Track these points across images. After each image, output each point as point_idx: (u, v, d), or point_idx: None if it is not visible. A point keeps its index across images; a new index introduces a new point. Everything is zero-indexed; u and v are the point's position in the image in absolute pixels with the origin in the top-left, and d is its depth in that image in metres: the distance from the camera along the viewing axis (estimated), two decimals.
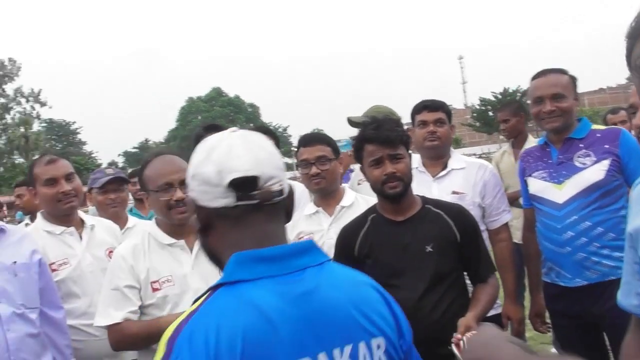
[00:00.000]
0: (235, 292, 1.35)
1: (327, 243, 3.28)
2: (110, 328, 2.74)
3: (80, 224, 3.52)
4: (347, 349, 1.39)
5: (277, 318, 1.32)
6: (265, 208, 1.43)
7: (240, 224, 1.44)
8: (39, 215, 3.60)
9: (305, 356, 1.34)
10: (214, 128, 3.69)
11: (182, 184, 2.77)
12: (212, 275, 2.71)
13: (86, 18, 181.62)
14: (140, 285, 2.75)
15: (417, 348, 2.50)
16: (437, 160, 3.78)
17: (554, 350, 5.41)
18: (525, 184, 3.57)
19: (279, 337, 1.31)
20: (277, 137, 4.62)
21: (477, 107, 58.75)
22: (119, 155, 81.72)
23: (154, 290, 2.75)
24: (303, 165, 3.47)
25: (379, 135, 2.85)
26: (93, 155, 76.90)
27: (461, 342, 2.51)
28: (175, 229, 2.84)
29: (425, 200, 2.98)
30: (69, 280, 3.31)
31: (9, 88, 67.78)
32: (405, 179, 2.85)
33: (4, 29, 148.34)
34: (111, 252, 3.20)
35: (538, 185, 3.44)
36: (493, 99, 59.09)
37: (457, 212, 2.93)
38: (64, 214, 3.46)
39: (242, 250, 1.40)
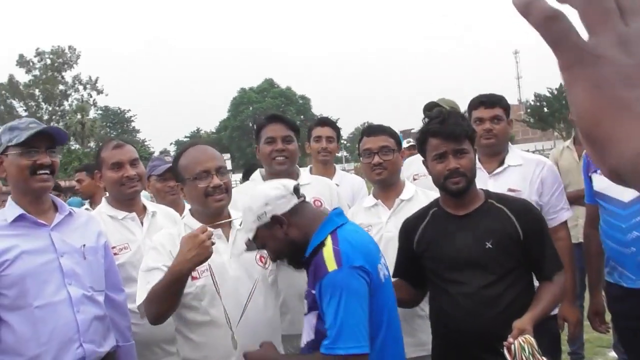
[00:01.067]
0: (345, 227, 2.51)
1: (385, 236, 3.31)
2: (142, 307, 2.69)
3: (142, 210, 3.61)
4: (382, 261, 2.56)
5: (368, 237, 2.66)
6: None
7: (301, 212, 2.54)
8: (103, 200, 3.71)
9: (379, 261, 2.52)
10: (275, 118, 3.74)
11: (219, 171, 2.82)
12: (250, 263, 2.85)
13: (145, 7, 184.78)
14: None
15: (475, 344, 2.68)
16: (493, 156, 3.72)
17: (612, 354, 5.29)
18: (589, 180, 3.50)
19: (372, 247, 2.60)
20: (338, 128, 4.77)
21: (532, 102, 57.58)
22: (171, 144, 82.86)
23: (193, 278, 2.71)
24: (366, 154, 3.45)
25: (444, 129, 2.81)
26: (146, 143, 78.25)
27: (512, 347, 2.49)
28: (211, 219, 2.81)
29: (488, 194, 2.92)
30: (128, 265, 3.38)
31: (68, 75, 69.56)
32: (469, 175, 2.82)
33: (65, 17, 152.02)
34: None
35: (603, 183, 3.34)
36: (548, 94, 57.80)
37: (521, 208, 2.85)
38: (127, 198, 3.56)
39: (312, 226, 2.50)
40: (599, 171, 3.37)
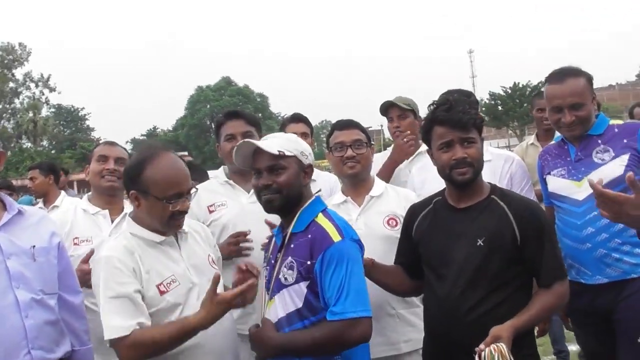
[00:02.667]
0: (330, 210, 2.75)
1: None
2: (118, 342, 2.51)
3: (119, 211, 3.67)
4: None
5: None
6: None
7: (308, 177, 2.73)
8: (84, 196, 3.86)
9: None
10: (234, 115, 3.69)
11: (188, 193, 2.72)
12: (203, 266, 2.78)
13: (98, 4, 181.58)
14: (143, 290, 2.59)
15: (455, 345, 2.61)
16: None
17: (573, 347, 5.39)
18: (544, 183, 3.51)
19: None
20: (311, 124, 4.83)
21: (487, 101, 58.38)
22: (127, 142, 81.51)
23: (161, 293, 2.62)
24: (338, 147, 3.40)
25: (451, 117, 2.72)
26: (101, 141, 76.77)
27: (482, 354, 2.44)
28: (158, 229, 2.73)
29: (494, 189, 2.82)
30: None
31: (19, 73, 67.84)
32: (476, 165, 2.73)
33: (15, 13, 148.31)
34: None
35: (557, 183, 3.37)
36: (503, 93, 58.69)
37: (523, 209, 2.70)
38: (105, 193, 3.68)
39: (309, 194, 2.73)
40: (552, 172, 3.41)
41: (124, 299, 2.53)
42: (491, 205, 2.74)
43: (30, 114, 62.89)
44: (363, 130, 3.47)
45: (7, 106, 66.65)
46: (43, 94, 68.06)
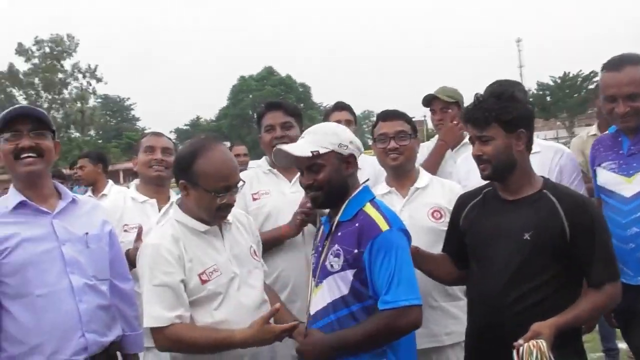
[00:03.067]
0: (378, 200, 2.77)
1: None
2: (156, 330, 2.61)
3: (166, 200, 3.75)
4: None
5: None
6: None
7: (352, 167, 2.71)
8: (132, 184, 3.95)
9: None
10: (274, 106, 3.72)
11: (236, 187, 2.77)
12: (244, 257, 2.83)
13: None
14: (185, 279, 2.66)
15: (495, 341, 2.60)
16: None
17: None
18: (595, 175, 3.40)
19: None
20: (354, 112, 4.89)
21: (534, 92, 57.24)
22: (171, 132, 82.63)
23: (203, 282, 2.68)
24: (381, 139, 3.39)
25: (467, 115, 2.77)
26: (146, 131, 77.71)
27: (521, 349, 2.40)
28: (204, 219, 2.78)
29: (546, 183, 2.78)
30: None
31: (67, 64, 69.24)
32: (494, 162, 2.70)
33: (64, 5, 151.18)
34: None
35: (606, 177, 3.26)
36: (552, 83, 57.42)
37: (574, 205, 2.64)
38: (153, 183, 3.77)
39: (356, 184, 2.73)
40: (602, 164, 3.28)
41: (166, 289, 2.60)
42: (542, 199, 2.69)
43: (78, 104, 64.19)
44: (408, 120, 3.44)
45: (56, 96, 68.13)
46: (90, 85, 69.34)
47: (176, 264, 2.63)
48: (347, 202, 2.67)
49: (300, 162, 2.69)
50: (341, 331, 2.57)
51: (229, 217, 2.85)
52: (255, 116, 3.78)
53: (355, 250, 2.55)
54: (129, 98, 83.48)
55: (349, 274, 2.56)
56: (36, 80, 68.52)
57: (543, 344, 2.38)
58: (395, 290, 2.47)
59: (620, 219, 3.14)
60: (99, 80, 69.55)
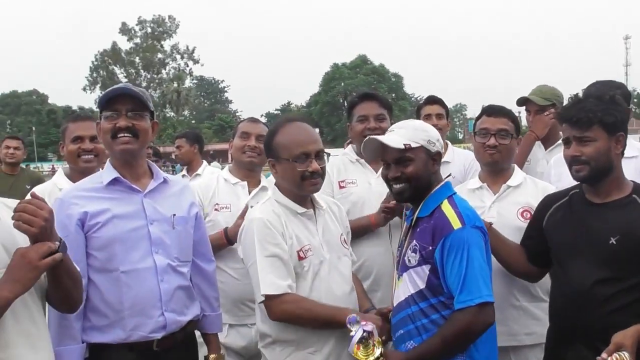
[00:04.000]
0: (457, 196, 2.75)
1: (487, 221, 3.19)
2: (275, 298, 2.70)
3: (256, 184, 3.84)
4: None
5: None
6: None
7: (437, 164, 2.73)
8: (226, 167, 4.14)
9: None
10: (368, 96, 3.74)
11: (318, 155, 2.81)
12: (335, 244, 2.88)
13: None
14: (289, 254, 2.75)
15: (576, 343, 2.56)
16: None
17: None
18: None
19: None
20: (447, 106, 4.89)
21: None
22: (262, 115, 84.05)
23: (300, 258, 2.77)
24: (482, 134, 3.35)
25: (566, 114, 2.73)
26: (237, 114, 79.57)
27: None
28: (300, 198, 2.85)
29: (636, 188, 2.73)
30: (223, 223, 3.63)
31: (167, 44, 71.49)
32: (593, 164, 2.65)
33: None
34: None
35: None
36: None
37: None
38: (245, 167, 3.85)
39: (439, 181, 2.74)
40: None
41: (276, 259, 2.71)
42: (631, 204, 2.67)
43: (175, 85, 66.21)
44: (513, 119, 3.37)
45: (155, 76, 70.55)
46: (187, 66, 71.45)
47: (280, 237, 2.73)
48: (427, 198, 2.70)
49: (389, 155, 2.70)
50: (419, 345, 2.58)
51: (322, 204, 2.93)
52: (345, 104, 3.79)
53: (430, 247, 2.59)
54: (223, 80, 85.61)
55: (425, 269, 2.60)
56: (137, 60, 71.15)
57: (626, 356, 2.32)
58: (469, 289, 2.48)
59: None
60: (196, 61, 71.69)
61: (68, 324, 2.64)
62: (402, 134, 2.70)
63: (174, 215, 2.87)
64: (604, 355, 2.33)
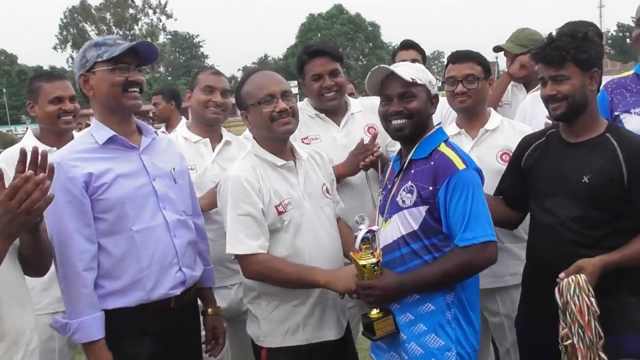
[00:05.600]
0: (452, 141, 2.78)
1: None
2: (245, 257, 2.72)
3: (218, 139, 3.64)
4: None
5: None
6: None
7: (434, 107, 2.74)
8: (181, 123, 3.85)
9: None
10: (319, 53, 3.54)
11: (284, 95, 2.78)
12: (317, 194, 2.87)
13: None
14: (264, 209, 2.73)
15: (551, 278, 2.63)
16: None
17: None
18: (619, 121, 3.26)
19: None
20: (423, 50, 4.77)
21: (614, 33, 54.73)
22: (239, 70, 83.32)
23: (279, 213, 2.75)
24: (450, 82, 3.36)
25: (540, 53, 2.75)
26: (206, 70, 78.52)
27: (561, 283, 2.49)
28: (277, 146, 2.82)
29: (610, 128, 2.77)
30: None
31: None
32: (570, 100, 2.68)
33: None
34: None
35: (636, 123, 3.15)
36: (633, 24, 54.82)
37: (635, 149, 2.64)
38: (208, 124, 3.59)
39: (432, 124, 2.76)
40: (632, 110, 3.20)
41: (249, 218, 2.70)
42: (603, 143, 2.72)
43: (148, 40, 65.11)
44: (480, 62, 3.35)
45: (127, 32, 69.24)
46: (160, 21, 70.15)
47: (256, 195, 2.72)
48: (420, 141, 2.70)
49: (392, 88, 2.68)
50: (417, 270, 2.61)
51: (303, 154, 2.91)
52: None
53: (431, 188, 2.59)
54: (198, 35, 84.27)
55: (422, 210, 2.60)
56: (107, 16, 69.72)
57: (581, 278, 2.45)
58: (473, 227, 2.52)
59: None
60: (169, 16, 70.32)
61: (89, 292, 2.56)
62: (407, 70, 2.68)
63: (174, 169, 2.84)
64: (562, 275, 2.49)
